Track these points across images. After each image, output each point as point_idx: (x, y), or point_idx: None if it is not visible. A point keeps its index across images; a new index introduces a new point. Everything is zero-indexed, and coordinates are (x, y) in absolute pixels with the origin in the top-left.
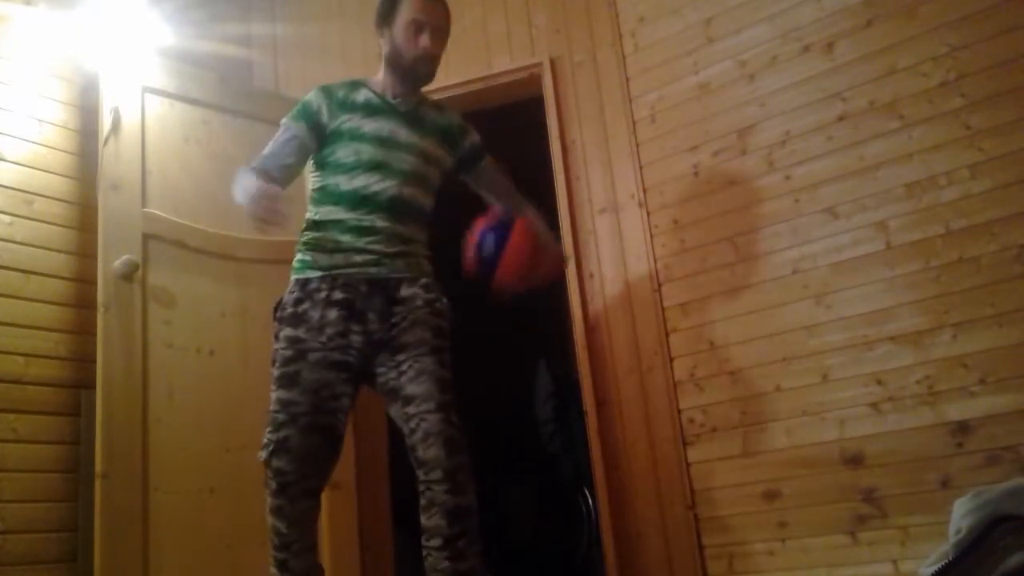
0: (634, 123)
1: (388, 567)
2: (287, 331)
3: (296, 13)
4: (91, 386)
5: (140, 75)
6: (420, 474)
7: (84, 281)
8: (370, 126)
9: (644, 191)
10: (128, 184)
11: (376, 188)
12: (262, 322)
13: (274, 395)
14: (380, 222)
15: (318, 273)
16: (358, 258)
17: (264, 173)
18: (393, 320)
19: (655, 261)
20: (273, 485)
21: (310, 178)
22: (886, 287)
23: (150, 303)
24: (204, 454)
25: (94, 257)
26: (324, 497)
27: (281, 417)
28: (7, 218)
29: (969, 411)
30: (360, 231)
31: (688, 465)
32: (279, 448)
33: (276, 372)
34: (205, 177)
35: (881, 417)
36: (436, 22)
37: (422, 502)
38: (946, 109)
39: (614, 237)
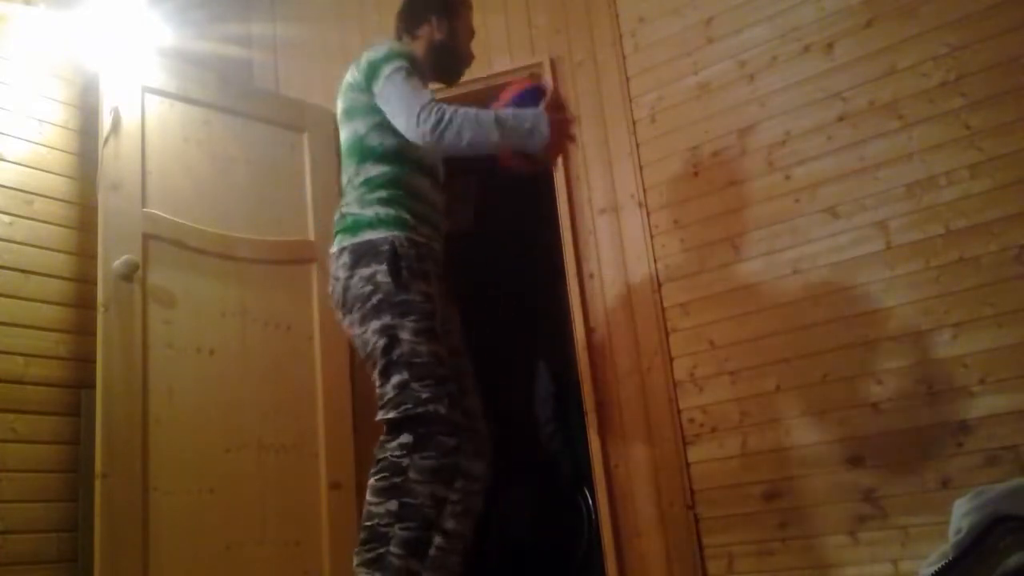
0: (634, 123)
1: None
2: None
3: (296, 13)
4: (91, 386)
5: (140, 75)
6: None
7: (84, 281)
8: None
9: (644, 191)
10: (128, 184)
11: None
12: (262, 322)
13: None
14: None
15: None
16: None
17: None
18: None
19: (655, 261)
20: (452, 442)
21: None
22: (886, 287)
23: (150, 303)
24: (204, 454)
25: (94, 257)
26: (324, 497)
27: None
28: (7, 218)
29: (969, 411)
30: None
31: (688, 465)
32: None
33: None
34: (205, 177)
35: (881, 417)
36: None
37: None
38: (946, 109)
39: (614, 237)
